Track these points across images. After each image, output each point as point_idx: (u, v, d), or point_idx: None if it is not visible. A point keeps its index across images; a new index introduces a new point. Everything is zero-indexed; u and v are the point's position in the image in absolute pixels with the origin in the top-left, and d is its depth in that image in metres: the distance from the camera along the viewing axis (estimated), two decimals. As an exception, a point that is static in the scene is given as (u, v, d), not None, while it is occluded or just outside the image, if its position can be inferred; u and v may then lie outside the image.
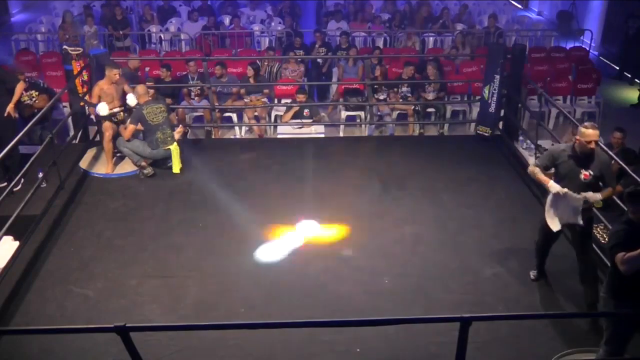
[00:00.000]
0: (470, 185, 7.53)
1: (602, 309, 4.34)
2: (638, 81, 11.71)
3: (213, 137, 9.48)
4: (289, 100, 9.70)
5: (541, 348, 4.84)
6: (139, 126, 7.70)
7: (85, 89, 8.11)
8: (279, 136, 9.29)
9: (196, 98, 9.66)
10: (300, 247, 6.30)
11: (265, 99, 9.69)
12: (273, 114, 9.84)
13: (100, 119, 7.94)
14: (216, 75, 9.39)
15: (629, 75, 12.48)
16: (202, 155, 8.25)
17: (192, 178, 7.65)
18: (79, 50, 8.25)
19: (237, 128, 9.64)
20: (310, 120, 9.30)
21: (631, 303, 4.11)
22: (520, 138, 8.69)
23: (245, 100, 9.55)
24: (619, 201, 5.71)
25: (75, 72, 8.16)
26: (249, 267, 5.99)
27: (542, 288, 5.67)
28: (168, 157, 7.69)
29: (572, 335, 4.86)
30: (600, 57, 13.87)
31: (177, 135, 7.79)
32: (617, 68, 12.99)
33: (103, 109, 7.55)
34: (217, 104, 9.36)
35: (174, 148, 7.67)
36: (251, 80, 9.59)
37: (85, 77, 8.19)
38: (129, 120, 7.70)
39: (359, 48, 11.46)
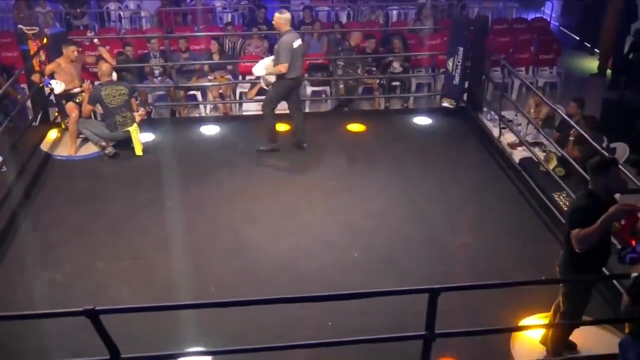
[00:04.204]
0: (436, 157, 7.61)
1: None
2: (597, 51, 11.90)
3: (178, 115, 9.36)
4: (253, 77, 9.60)
5: (509, 314, 4.96)
6: (98, 107, 7.56)
7: (43, 69, 7.90)
8: (244, 113, 9.22)
9: (160, 78, 9.49)
10: (269, 223, 6.30)
11: (229, 76, 9.58)
12: (238, 90, 9.75)
13: (60, 99, 7.79)
14: (181, 50, 9.28)
15: (589, 45, 12.67)
16: (167, 134, 8.15)
17: (158, 158, 7.56)
18: (34, 29, 8.02)
19: (202, 106, 9.53)
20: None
21: (591, 273, 4.21)
22: (485, 109, 8.78)
23: (209, 77, 9.43)
24: (582, 171, 5.85)
25: (32, 52, 7.94)
26: (219, 245, 5.98)
27: (509, 257, 5.79)
28: (129, 139, 7.57)
29: (538, 301, 4.98)
30: (561, 28, 14.05)
31: (138, 118, 7.65)
32: (577, 38, 13.18)
33: (57, 86, 7.39)
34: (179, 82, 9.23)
35: (133, 130, 7.53)
36: (215, 56, 9.46)
37: (43, 57, 7.97)
38: (86, 100, 7.55)
39: (322, 22, 11.38)
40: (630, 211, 3.80)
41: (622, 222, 3.89)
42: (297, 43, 7.09)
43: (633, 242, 3.91)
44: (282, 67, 7.00)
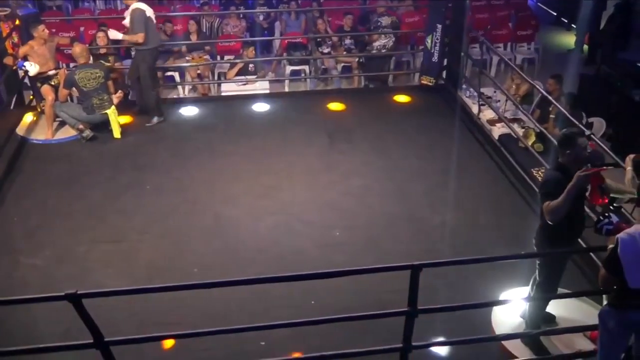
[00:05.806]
0: (415, 135, 7.63)
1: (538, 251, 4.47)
2: (574, 26, 11.95)
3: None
4: (231, 57, 9.52)
5: (488, 289, 5.04)
6: (74, 90, 7.46)
7: (16, 52, 7.76)
8: (223, 94, 9.14)
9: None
10: (250, 204, 6.30)
11: (207, 56, 9.49)
12: (216, 71, 9.66)
13: (34, 82, 7.66)
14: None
15: (566, 21, 12.72)
16: (145, 116, 8.06)
17: (136, 140, 7.50)
18: (6, 10, 7.85)
19: (180, 87, 9.43)
20: (255, 77, 9.18)
21: (564, 244, 4.28)
22: (464, 86, 8.81)
23: (187, 58, 9.33)
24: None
25: (4, 35, 7.78)
26: (200, 227, 5.96)
27: (488, 233, 5.86)
28: (107, 121, 7.48)
29: (517, 275, 5.05)
30: (539, 4, 14.07)
31: (115, 100, 7.56)
32: (555, 14, 13.21)
33: (31, 68, 7.26)
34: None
35: (111, 112, 7.45)
36: (193, 36, 9.35)
37: (16, 39, 7.82)
38: (61, 85, 7.43)
39: (300, 1, 11.27)
40: (591, 175, 3.86)
41: (589, 187, 3.97)
42: (150, 11, 7.38)
43: (606, 200, 4.00)
44: (139, 37, 7.28)
